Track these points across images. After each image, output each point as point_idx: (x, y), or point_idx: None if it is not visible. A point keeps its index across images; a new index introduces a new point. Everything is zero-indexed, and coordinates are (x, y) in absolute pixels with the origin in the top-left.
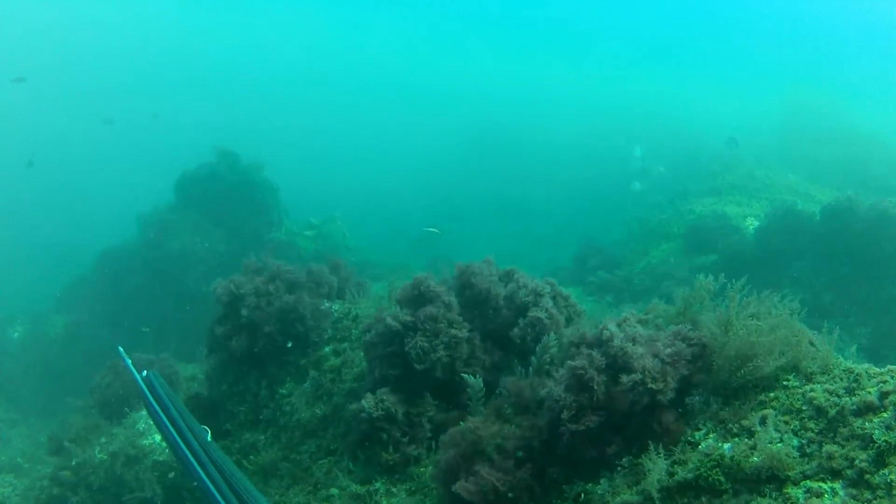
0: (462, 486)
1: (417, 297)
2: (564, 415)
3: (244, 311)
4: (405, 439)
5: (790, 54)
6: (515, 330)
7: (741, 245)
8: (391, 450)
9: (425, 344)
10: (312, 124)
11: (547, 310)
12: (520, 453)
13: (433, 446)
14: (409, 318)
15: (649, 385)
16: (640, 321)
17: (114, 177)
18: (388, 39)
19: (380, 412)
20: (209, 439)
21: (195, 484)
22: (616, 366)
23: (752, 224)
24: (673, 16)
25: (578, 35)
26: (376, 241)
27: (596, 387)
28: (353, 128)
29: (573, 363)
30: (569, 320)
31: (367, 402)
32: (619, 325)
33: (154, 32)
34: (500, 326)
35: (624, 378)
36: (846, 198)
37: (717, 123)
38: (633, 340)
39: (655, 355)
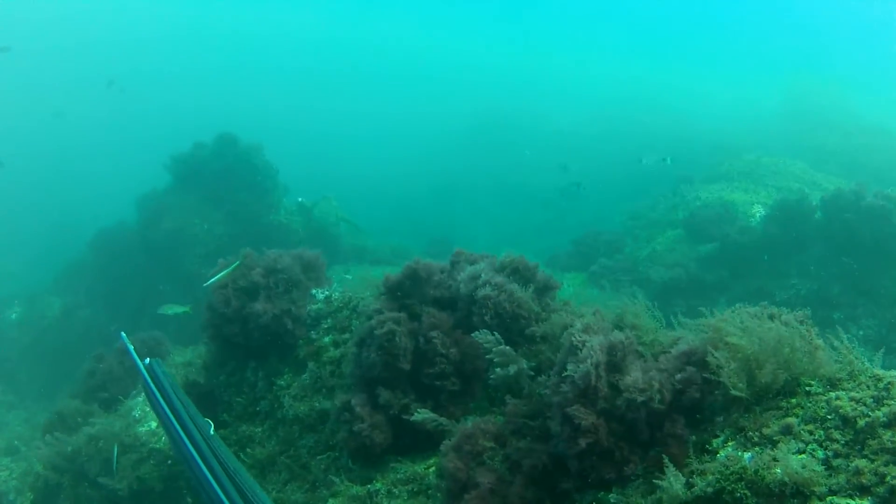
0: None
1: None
2: (562, 446)
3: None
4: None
5: (792, 44)
6: (474, 318)
7: (743, 234)
8: (342, 430)
9: (366, 353)
10: (312, 109)
11: (491, 283)
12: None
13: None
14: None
15: (638, 398)
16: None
17: (112, 158)
18: (389, 24)
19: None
20: (212, 433)
21: (193, 476)
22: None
23: (758, 211)
24: (674, 4)
25: (580, 23)
26: (377, 224)
27: (581, 421)
28: (353, 113)
29: (556, 400)
30: (526, 282)
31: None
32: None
33: (151, 13)
34: (462, 314)
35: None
36: (846, 189)
37: (719, 111)
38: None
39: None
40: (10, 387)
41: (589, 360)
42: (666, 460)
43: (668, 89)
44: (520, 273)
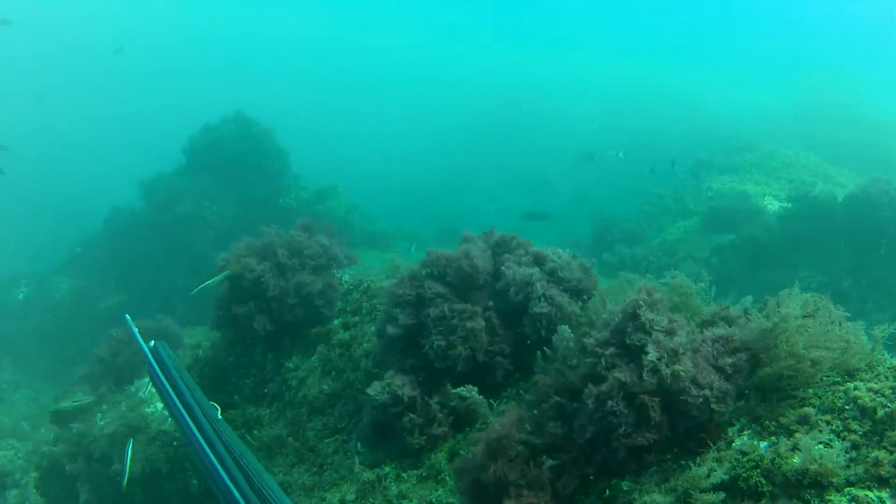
0: None
1: (417, 300)
2: (622, 430)
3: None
4: (430, 423)
5: (803, 42)
6: (526, 329)
7: (763, 228)
8: (417, 433)
9: (443, 342)
10: (324, 101)
11: (546, 298)
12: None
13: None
14: (412, 321)
15: (713, 406)
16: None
17: (127, 139)
18: (401, 20)
19: (391, 397)
20: (219, 417)
21: (199, 461)
22: (669, 390)
23: (770, 203)
24: (689, 4)
25: (595, 22)
26: (387, 214)
27: (652, 413)
28: (364, 106)
29: (622, 378)
30: (577, 293)
31: (386, 388)
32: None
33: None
34: (511, 307)
35: (694, 391)
36: (872, 186)
37: (732, 106)
38: (677, 354)
39: (710, 364)
40: (17, 366)
41: (685, 359)
42: (712, 448)
43: (682, 85)
44: (565, 282)
